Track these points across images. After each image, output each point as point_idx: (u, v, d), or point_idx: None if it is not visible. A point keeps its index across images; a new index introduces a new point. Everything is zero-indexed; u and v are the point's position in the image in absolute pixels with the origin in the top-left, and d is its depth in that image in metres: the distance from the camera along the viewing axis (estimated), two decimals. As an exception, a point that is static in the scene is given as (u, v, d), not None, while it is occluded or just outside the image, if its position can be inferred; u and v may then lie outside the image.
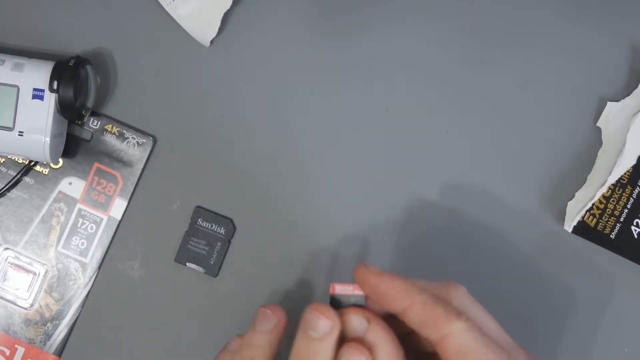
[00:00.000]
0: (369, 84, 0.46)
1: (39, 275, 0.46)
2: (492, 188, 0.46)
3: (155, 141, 0.46)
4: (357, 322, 0.34)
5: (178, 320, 0.46)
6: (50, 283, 0.46)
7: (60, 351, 0.46)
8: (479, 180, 0.46)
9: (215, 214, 0.46)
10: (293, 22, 0.47)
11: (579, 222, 0.45)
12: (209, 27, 0.45)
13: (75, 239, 0.46)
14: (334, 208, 0.46)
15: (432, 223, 0.46)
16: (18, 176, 0.46)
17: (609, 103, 0.46)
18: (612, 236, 0.45)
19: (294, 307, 0.46)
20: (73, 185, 0.46)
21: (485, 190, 0.46)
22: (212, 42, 0.46)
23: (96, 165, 0.46)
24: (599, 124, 0.46)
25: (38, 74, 0.43)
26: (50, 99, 0.43)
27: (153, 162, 0.47)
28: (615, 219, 0.45)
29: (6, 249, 0.46)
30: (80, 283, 0.46)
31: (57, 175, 0.46)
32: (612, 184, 0.45)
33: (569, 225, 0.45)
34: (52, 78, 0.42)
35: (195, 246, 0.46)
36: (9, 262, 0.46)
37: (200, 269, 0.46)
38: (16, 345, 0.46)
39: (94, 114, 0.46)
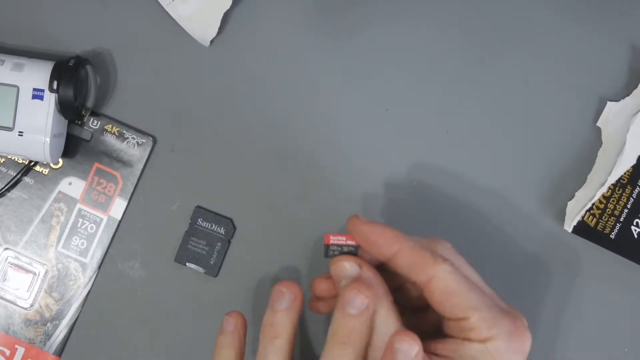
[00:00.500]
0: (368, 84, 0.46)
1: (39, 275, 0.46)
2: (491, 188, 0.46)
3: (155, 141, 0.46)
4: (349, 267, 0.36)
5: (178, 320, 0.46)
6: (50, 283, 0.46)
7: (60, 351, 0.46)
8: (479, 180, 0.46)
9: (215, 214, 0.46)
10: (293, 22, 0.47)
11: (579, 222, 0.45)
12: (209, 27, 0.45)
13: (75, 239, 0.46)
14: (334, 208, 0.46)
15: (432, 223, 0.46)
16: (18, 176, 0.46)
17: (609, 103, 0.46)
18: (612, 236, 0.45)
19: (294, 307, 0.46)
20: (73, 185, 0.46)
21: (485, 190, 0.46)
22: (212, 42, 0.46)
23: (96, 165, 0.46)
24: (599, 124, 0.46)
25: (38, 74, 0.43)
26: (50, 99, 0.43)
27: (153, 162, 0.47)
28: (615, 219, 0.45)
29: (6, 249, 0.46)
30: (80, 283, 0.46)
31: (57, 175, 0.46)
32: (612, 184, 0.45)
33: (569, 225, 0.45)
34: (52, 78, 0.42)
35: (195, 246, 0.46)
36: (9, 262, 0.46)
37: (200, 269, 0.46)
38: (16, 346, 0.46)
39: (94, 114, 0.46)
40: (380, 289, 0.36)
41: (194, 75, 0.47)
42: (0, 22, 0.47)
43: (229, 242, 0.46)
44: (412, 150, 0.46)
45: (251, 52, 0.47)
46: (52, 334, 0.46)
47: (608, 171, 0.45)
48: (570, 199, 0.45)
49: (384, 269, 0.37)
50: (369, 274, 0.36)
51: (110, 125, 0.46)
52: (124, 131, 0.46)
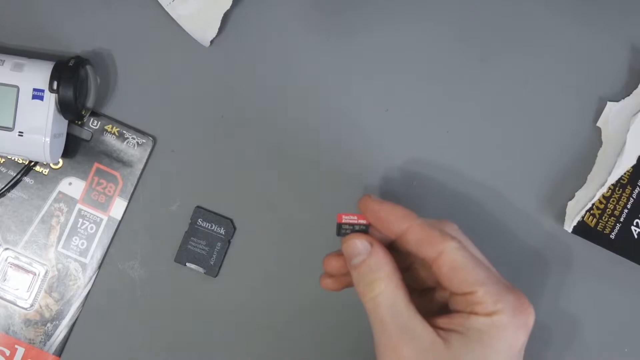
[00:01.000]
0: (369, 84, 0.46)
1: (39, 275, 0.46)
2: (492, 188, 0.46)
3: (155, 141, 0.46)
4: (361, 244, 0.38)
5: (178, 320, 0.46)
6: (50, 283, 0.46)
7: (60, 351, 0.46)
8: (479, 180, 0.46)
9: (215, 214, 0.46)
10: (293, 22, 0.47)
11: (579, 222, 0.45)
12: (209, 27, 0.45)
13: (75, 239, 0.46)
14: (334, 208, 0.46)
15: (432, 223, 0.46)
16: (18, 176, 0.46)
17: (609, 103, 0.46)
18: (612, 236, 0.45)
19: (294, 307, 0.46)
20: (73, 186, 0.46)
21: (485, 190, 0.46)
22: (212, 42, 0.46)
23: (96, 165, 0.46)
24: (598, 124, 0.46)
25: (38, 74, 0.43)
26: (50, 99, 0.43)
27: (153, 162, 0.47)
28: (615, 219, 0.45)
29: (6, 249, 0.46)
30: (80, 283, 0.46)
31: (57, 176, 0.46)
32: (612, 184, 0.45)
33: (569, 225, 0.45)
34: (52, 78, 0.42)
35: (195, 246, 0.46)
36: (9, 263, 0.46)
37: (200, 269, 0.46)
38: (16, 346, 0.46)
39: (94, 114, 0.46)
40: (389, 266, 0.37)
41: (194, 75, 0.47)
42: (0, 22, 0.47)
43: (229, 242, 0.46)
44: (412, 150, 0.46)
45: (251, 52, 0.47)
46: (52, 334, 0.46)
47: (608, 171, 0.45)
48: (570, 199, 0.45)
49: (393, 249, 0.38)
50: (379, 254, 0.37)
51: (110, 125, 0.46)
52: (124, 131, 0.46)
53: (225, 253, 0.46)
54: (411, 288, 0.37)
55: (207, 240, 0.46)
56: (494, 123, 0.46)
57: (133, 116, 0.47)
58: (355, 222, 0.39)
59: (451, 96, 0.46)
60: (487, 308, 0.35)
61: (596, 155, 0.46)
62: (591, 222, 0.45)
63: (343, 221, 0.39)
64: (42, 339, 0.46)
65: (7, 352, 0.46)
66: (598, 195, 0.44)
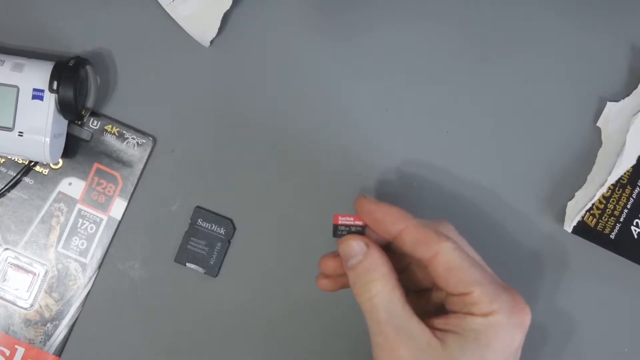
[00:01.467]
0: (369, 84, 0.46)
1: (38, 275, 0.46)
2: (491, 188, 0.46)
3: (155, 141, 0.46)
4: (357, 245, 0.38)
5: (178, 320, 0.46)
6: (50, 283, 0.46)
7: (60, 351, 0.46)
8: (479, 180, 0.46)
9: (215, 214, 0.46)
10: (293, 22, 0.47)
11: (578, 222, 0.45)
12: (209, 27, 0.45)
13: (75, 239, 0.46)
14: (334, 208, 0.46)
15: (432, 223, 0.46)
16: (18, 176, 0.46)
17: (609, 103, 0.46)
18: (612, 236, 0.45)
19: (294, 307, 0.46)
20: (73, 186, 0.46)
21: (485, 190, 0.46)
22: (212, 42, 0.46)
23: (96, 165, 0.46)
24: (598, 124, 0.46)
25: (38, 74, 0.43)
26: (50, 99, 0.43)
27: (153, 162, 0.47)
28: (615, 219, 0.45)
29: (6, 249, 0.46)
30: (80, 283, 0.46)
31: (57, 176, 0.46)
32: (612, 184, 0.45)
33: (569, 226, 0.45)
34: (52, 78, 0.42)
35: (195, 246, 0.46)
36: (9, 263, 0.46)
37: (200, 269, 0.46)
38: (16, 346, 0.46)
39: (94, 114, 0.46)
40: (385, 267, 0.37)
41: (194, 75, 0.47)
42: (0, 22, 0.47)
43: (229, 242, 0.46)
44: (413, 150, 0.46)
45: (251, 52, 0.47)
46: (52, 334, 0.46)
47: (608, 171, 0.45)
48: (570, 199, 0.45)
49: (390, 250, 0.38)
50: (374, 256, 0.37)
51: (110, 126, 0.46)
52: (124, 131, 0.46)
53: (225, 253, 0.46)
54: (407, 289, 0.37)
55: (207, 240, 0.46)
56: (494, 123, 0.46)
57: (133, 116, 0.47)
58: (352, 223, 0.39)
59: (451, 96, 0.46)
60: (483, 308, 0.35)
61: (596, 155, 0.46)
62: (591, 222, 0.45)
63: (339, 222, 0.39)
64: (42, 339, 0.46)
65: (7, 352, 0.46)
66: (598, 195, 0.44)
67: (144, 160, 0.46)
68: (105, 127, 0.46)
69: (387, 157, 0.46)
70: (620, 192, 0.45)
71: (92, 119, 0.46)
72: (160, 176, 0.46)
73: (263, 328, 0.46)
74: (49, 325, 0.46)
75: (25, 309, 0.46)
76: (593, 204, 0.45)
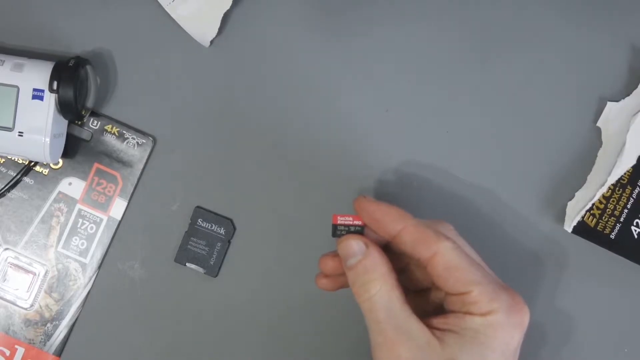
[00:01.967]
0: (369, 84, 0.46)
1: (38, 275, 0.46)
2: (492, 188, 0.46)
3: (155, 141, 0.46)
4: (356, 245, 0.38)
5: (178, 320, 0.46)
6: (50, 283, 0.46)
7: (60, 351, 0.46)
8: (479, 180, 0.46)
9: (215, 214, 0.46)
10: (293, 22, 0.47)
11: (579, 222, 0.45)
12: (209, 27, 0.45)
13: (75, 239, 0.46)
14: (334, 208, 0.46)
15: (432, 223, 0.46)
16: (18, 176, 0.46)
17: (609, 103, 0.46)
18: (612, 236, 0.45)
19: (294, 307, 0.46)
20: (73, 186, 0.46)
21: (485, 190, 0.46)
22: (212, 42, 0.46)
23: (96, 165, 0.46)
24: (599, 124, 0.46)
25: (38, 74, 0.43)
26: (50, 99, 0.43)
27: (153, 162, 0.47)
28: (615, 219, 0.45)
29: (6, 249, 0.46)
30: (80, 283, 0.46)
31: (57, 176, 0.46)
32: (612, 184, 0.45)
33: (569, 226, 0.45)
34: (52, 78, 0.42)
35: (195, 246, 0.46)
36: (9, 263, 0.46)
37: (200, 269, 0.46)
38: (16, 346, 0.46)
39: (94, 114, 0.46)
40: (384, 266, 0.37)
41: (194, 75, 0.47)
42: (0, 22, 0.47)
43: (229, 242, 0.46)
44: (413, 150, 0.46)
45: (251, 52, 0.47)
46: (52, 334, 0.46)
47: (608, 171, 0.45)
48: (570, 199, 0.45)
49: (389, 250, 0.38)
50: (374, 255, 0.37)
51: (110, 126, 0.46)
52: (124, 131, 0.46)
53: (225, 253, 0.46)
54: (407, 289, 0.38)
55: (207, 240, 0.46)
56: (494, 123, 0.46)
57: (133, 116, 0.47)
58: (351, 223, 0.39)
59: (451, 96, 0.46)
60: (482, 308, 0.35)
61: (596, 155, 0.46)
62: (591, 222, 0.45)
63: (338, 222, 0.39)
64: (42, 339, 0.46)
65: (7, 352, 0.46)
66: (598, 195, 0.44)
67: (144, 160, 0.46)
68: (105, 127, 0.46)
69: (387, 157, 0.46)
70: (620, 192, 0.45)
71: (92, 119, 0.46)
72: (160, 176, 0.46)
73: (263, 328, 0.46)
74: (49, 325, 0.46)
75: (25, 309, 0.46)
76: (593, 204, 0.45)
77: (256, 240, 0.46)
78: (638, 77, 0.46)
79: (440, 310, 0.38)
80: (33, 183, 0.46)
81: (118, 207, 0.46)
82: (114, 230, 0.46)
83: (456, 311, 0.36)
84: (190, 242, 0.46)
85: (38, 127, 0.42)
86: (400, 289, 0.37)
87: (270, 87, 0.46)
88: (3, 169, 0.46)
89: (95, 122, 0.46)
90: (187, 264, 0.46)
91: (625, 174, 0.45)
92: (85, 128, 0.46)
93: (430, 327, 0.36)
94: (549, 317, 0.46)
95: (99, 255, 0.46)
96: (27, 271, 0.46)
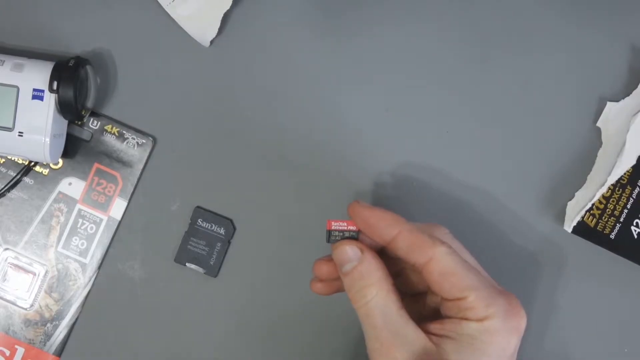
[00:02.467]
0: (369, 84, 0.46)
1: (38, 275, 0.46)
2: (491, 188, 0.46)
3: (155, 141, 0.46)
4: (351, 251, 0.37)
5: (178, 320, 0.46)
6: (50, 283, 0.46)
7: (60, 351, 0.46)
8: (479, 180, 0.46)
9: (215, 214, 0.46)
10: (293, 22, 0.47)
11: (578, 223, 0.45)
12: (209, 27, 0.45)
13: (75, 240, 0.46)
14: (334, 208, 0.46)
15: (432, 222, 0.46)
16: (18, 176, 0.46)
17: (609, 103, 0.46)
18: (612, 236, 0.45)
19: (294, 307, 0.46)
20: (73, 186, 0.46)
21: (485, 190, 0.46)
22: (212, 42, 0.46)
23: (96, 165, 0.46)
24: (598, 124, 0.46)
25: (38, 74, 0.43)
26: (50, 99, 0.43)
27: (153, 162, 0.47)
28: (615, 219, 0.45)
29: (6, 249, 0.46)
30: (80, 283, 0.46)
31: (57, 176, 0.46)
32: (612, 184, 0.45)
33: (569, 226, 0.45)
34: (52, 78, 0.42)
35: (195, 246, 0.46)
36: (8, 263, 0.46)
37: (200, 269, 0.46)
38: (16, 346, 0.46)
39: (94, 114, 0.46)
40: (380, 272, 0.37)
41: (194, 75, 0.47)
42: (0, 22, 0.47)
43: (229, 242, 0.46)
44: (412, 150, 0.46)
45: (251, 52, 0.47)
46: (52, 334, 0.46)
47: (608, 171, 0.45)
48: (570, 199, 0.45)
49: (383, 255, 0.38)
50: (369, 260, 0.37)
51: (110, 126, 0.46)
52: (124, 131, 0.46)
53: (225, 253, 0.46)
54: (403, 293, 0.37)
55: (207, 240, 0.46)
56: (494, 123, 0.46)
57: (133, 116, 0.47)
58: (345, 228, 0.38)
59: (451, 96, 0.46)
60: (478, 313, 0.35)
61: (596, 155, 0.46)
62: (591, 222, 0.45)
63: (332, 227, 0.38)
64: (42, 339, 0.46)
65: (7, 352, 0.46)
66: (598, 196, 0.44)
67: (144, 161, 0.46)
68: (105, 127, 0.46)
69: (387, 156, 0.46)
70: (620, 192, 0.45)
71: (92, 119, 0.46)
72: (160, 176, 0.46)
73: (263, 328, 0.46)
74: (49, 325, 0.46)
75: (25, 309, 0.46)
76: (593, 204, 0.45)
77: (256, 240, 0.46)
78: (638, 77, 0.46)
79: (436, 314, 0.37)
80: (33, 183, 0.46)
81: (118, 207, 0.46)
82: (114, 230, 0.46)
83: (452, 316, 0.36)
84: (190, 242, 0.46)
85: (38, 127, 0.42)
86: (397, 294, 0.36)
87: (270, 87, 0.46)
88: (3, 169, 0.46)
89: (95, 122, 0.46)
90: (187, 264, 0.46)
91: (625, 174, 0.45)
92: (85, 128, 0.46)
93: (426, 332, 0.35)
94: (549, 317, 0.46)
95: (99, 255, 0.46)
96: (27, 271, 0.46)
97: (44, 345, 0.46)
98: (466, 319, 0.35)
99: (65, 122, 0.45)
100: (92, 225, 0.46)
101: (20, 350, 0.46)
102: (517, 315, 0.36)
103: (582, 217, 0.45)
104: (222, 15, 0.45)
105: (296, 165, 0.46)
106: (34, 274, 0.46)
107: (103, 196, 0.46)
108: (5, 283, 0.46)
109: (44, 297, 0.46)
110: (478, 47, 0.46)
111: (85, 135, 0.46)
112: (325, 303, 0.46)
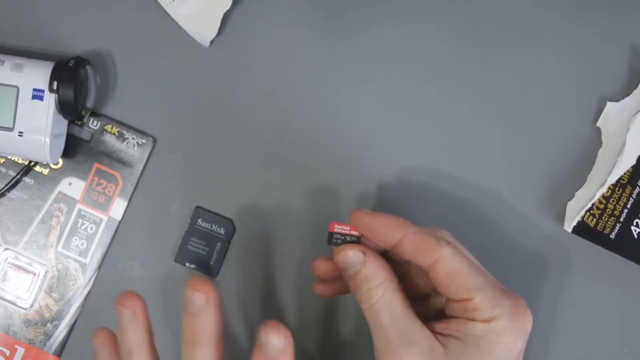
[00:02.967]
0: (369, 84, 0.46)
1: (38, 275, 0.46)
2: (491, 188, 0.46)
3: (155, 141, 0.46)
4: (353, 255, 0.37)
5: (178, 320, 0.46)
6: (50, 283, 0.46)
7: (60, 351, 0.46)
8: (479, 180, 0.46)
9: (215, 214, 0.46)
10: (293, 22, 0.47)
11: (578, 222, 0.45)
12: (209, 27, 0.45)
13: (75, 240, 0.46)
14: (334, 208, 0.46)
15: (432, 223, 0.46)
16: (18, 176, 0.46)
17: (609, 103, 0.46)
18: (612, 236, 0.45)
19: (294, 307, 0.46)
20: (73, 186, 0.46)
21: (485, 190, 0.46)
22: (212, 42, 0.46)
23: (96, 165, 0.46)
24: (598, 124, 0.46)
25: (38, 74, 0.43)
26: (50, 99, 0.43)
27: (153, 162, 0.47)
28: (615, 219, 0.45)
29: (6, 249, 0.46)
30: (80, 283, 0.46)
31: (57, 176, 0.46)
32: (612, 184, 0.45)
33: (569, 226, 0.45)
34: (52, 78, 0.42)
35: (195, 246, 0.46)
36: (8, 263, 0.46)
37: (200, 269, 0.46)
38: (16, 346, 0.46)
39: (94, 114, 0.46)
40: (385, 272, 0.37)
41: (194, 75, 0.47)
42: (0, 22, 0.47)
43: (229, 242, 0.46)
44: (412, 150, 0.46)
45: (251, 52, 0.47)
46: (52, 334, 0.46)
47: (608, 171, 0.45)
48: (570, 199, 0.45)
49: (386, 259, 0.38)
50: (373, 263, 0.37)
51: (110, 126, 0.46)
52: (124, 131, 0.46)
53: (225, 253, 0.46)
54: (407, 296, 0.37)
55: (207, 240, 0.46)
56: (494, 123, 0.46)
57: (133, 116, 0.47)
58: (347, 232, 0.38)
59: (451, 96, 0.46)
60: (484, 314, 0.35)
61: (596, 155, 0.46)
62: (591, 222, 0.45)
63: (335, 230, 0.38)
64: (42, 339, 0.46)
65: (7, 352, 0.46)
66: (598, 195, 0.44)
67: (144, 161, 0.46)
68: (105, 127, 0.46)
69: (387, 156, 0.46)
70: (620, 192, 0.45)
71: (92, 119, 0.46)
72: (160, 176, 0.46)
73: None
74: (49, 325, 0.46)
75: (25, 309, 0.46)
76: (593, 204, 0.45)
77: (256, 240, 0.46)
78: (638, 77, 0.46)
79: (440, 315, 0.37)
80: (33, 183, 0.46)
81: (118, 207, 0.46)
82: (114, 230, 0.46)
83: (458, 317, 0.36)
84: (190, 242, 0.46)
85: (38, 127, 0.42)
86: (403, 293, 0.37)
87: (270, 87, 0.46)
88: (3, 169, 0.46)
89: (95, 122, 0.46)
90: (187, 264, 0.46)
91: (625, 174, 0.45)
92: (85, 128, 0.46)
93: (433, 331, 0.36)
94: (549, 317, 0.46)
95: (98, 255, 0.46)
96: (27, 271, 0.46)
97: (44, 345, 0.46)
98: (472, 319, 0.35)
99: (65, 122, 0.45)
100: (92, 225, 0.46)
101: (21, 350, 0.46)
102: (523, 316, 0.36)
103: (582, 217, 0.45)
104: (222, 15, 0.45)
105: (296, 165, 0.46)
106: (34, 274, 0.46)
107: (103, 196, 0.46)
108: (5, 283, 0.46)
109: (44, 297, 0.46)
110: (478, 47, 0.46)
111: (85, 135, 0.46)
112: (326, 302, 0.46)
